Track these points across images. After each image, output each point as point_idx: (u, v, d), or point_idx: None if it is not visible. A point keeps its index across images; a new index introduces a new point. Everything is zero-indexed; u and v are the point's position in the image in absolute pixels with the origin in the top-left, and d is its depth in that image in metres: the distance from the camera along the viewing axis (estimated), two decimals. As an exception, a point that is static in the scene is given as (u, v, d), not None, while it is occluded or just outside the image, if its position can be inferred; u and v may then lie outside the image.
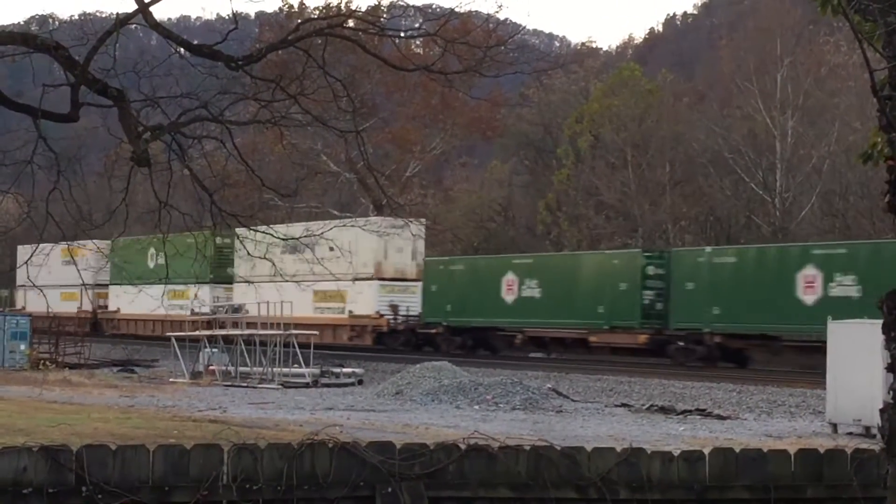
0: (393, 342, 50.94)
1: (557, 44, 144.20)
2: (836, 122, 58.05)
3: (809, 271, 37.93)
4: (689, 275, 41.52)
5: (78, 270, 37.90)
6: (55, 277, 50.92)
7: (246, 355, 41.66)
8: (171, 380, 41.54)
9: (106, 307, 64.38)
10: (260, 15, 67.87)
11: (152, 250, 53.40)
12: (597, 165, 67.48)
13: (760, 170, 60.53)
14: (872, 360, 22.27)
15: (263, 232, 22.21)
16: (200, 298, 53.04)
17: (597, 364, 42.54)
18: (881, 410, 6.77)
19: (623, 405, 32.86)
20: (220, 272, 56.46)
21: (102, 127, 19.05)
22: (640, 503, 8.55)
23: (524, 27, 61.09)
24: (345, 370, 41.68)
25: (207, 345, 43.52)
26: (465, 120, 70.56)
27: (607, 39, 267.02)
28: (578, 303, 44.51)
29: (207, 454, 8.09)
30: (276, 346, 41.07)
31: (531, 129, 77.17)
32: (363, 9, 31.49)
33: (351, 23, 21.31)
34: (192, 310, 53.01)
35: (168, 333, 49.99)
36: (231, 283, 55.63)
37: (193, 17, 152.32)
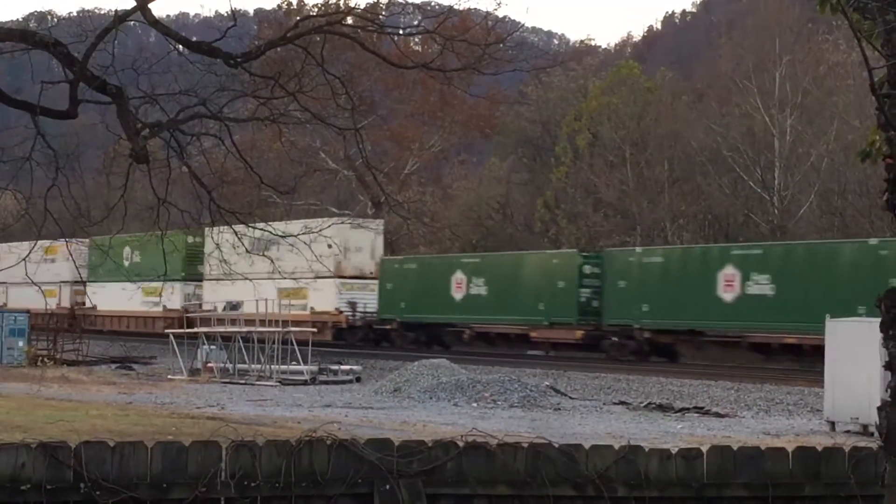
0: (351, 338, 52.61)
1: (556, 41, 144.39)
2: (834, 120, 58.05)
3: (729, 270, 39.85)
4: (621, 274, 43.61)
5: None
6: (36, 274, 52.40)
7: (244, 352, 41.68)
8: (169, 377, 41.54)
9: (83, 304, 65.22)
10: (259, 12, 68.01)
11: (127, 248, 54.52)
12: (595, 163, 67.47)
13: (759, 168, 60.52)
14: (870, 358, 22.30)
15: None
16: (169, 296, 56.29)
17: (592, 362, 42.83)
18: (879, 408, 6.78)
19: (621, 403, 32.87)
20: (191, 270, 58.31)
21: (101, 124, 19.04)
22: (638, 501, 8.56)
23: (523, 25, 61.05)
24: (343, 367, 41.72)
25: (205, 342, 43.54)
26: (464, 117, 70.57)
27: (606, 37, 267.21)
28: (521, 300, 46.42)
29: (206, 451, 8.09)
30: (273, 343, 41.11)
31: (530, 126, 77.17)
32: (362, 6, 31.49)
33: (350, 20, 21.30)
34: (164, 306, 56.95)
35: (141, 329, 52.24)
36: (201, 280, 57.89)
37: (192, 14, 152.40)
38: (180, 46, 18.09)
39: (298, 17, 25.02)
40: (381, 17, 23.26)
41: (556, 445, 8.72)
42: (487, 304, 47.81)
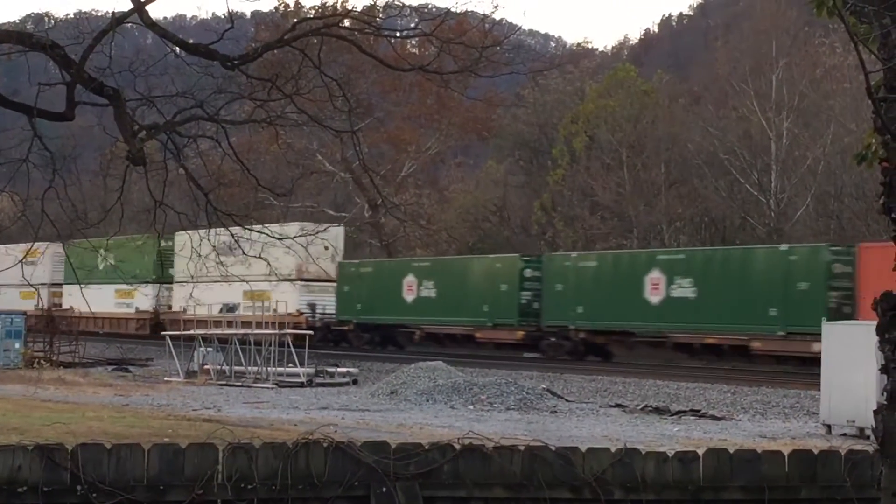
0: (311, 338, 53.42)
1: (553, 44, 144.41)
2: (831, 123, 58.06)
3: (655, 274, 42.16)
4: (558, 277, 45.83)
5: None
6: (15, 276, 54.19)
7: (241, 354, 41.67)
8: (165, 379, 41.51)
9: (60, 305, 65.97)
10: (256, 14, 67.80)
11: (102, 252, 55.64)
12: (592, 166, 67.45)
13: (755, 171, 60.53)
14: (866, 361, 22.31)
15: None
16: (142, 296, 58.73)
17: (588, 364, 43.05)
18: (875, 412, 6.78)
19: (617, 406, 32.89)
20: (162, 273, 59.75)
21: (98, 126, 19.01)
22: (635, 503, 8.56)
23: (520, 27, 60.97)
24: (340, 370, 41.73)
25: (202, 344, 43.54)
26: (461, 120, 70.58)
27: (603, 40, 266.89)
28: (467, 302, 48.58)
29: (202, 453, 8.10)
30: (270, 345, 41.10)
31: (526, 129, 77.14)
32: (359, 8, 31.48)
33: (347, 22, 21.30)
34: (136, 308, 59.46)
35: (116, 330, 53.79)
36: (172, 282, 59.57)
37: (189, 16, 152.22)
38: (177, 49, 18.10)
39: (295, 20, 24.98)
40: (377, 19, 23.23)
41: (553, 448, 8.73)
42: (436, 306, 49.76)
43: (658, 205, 63.88)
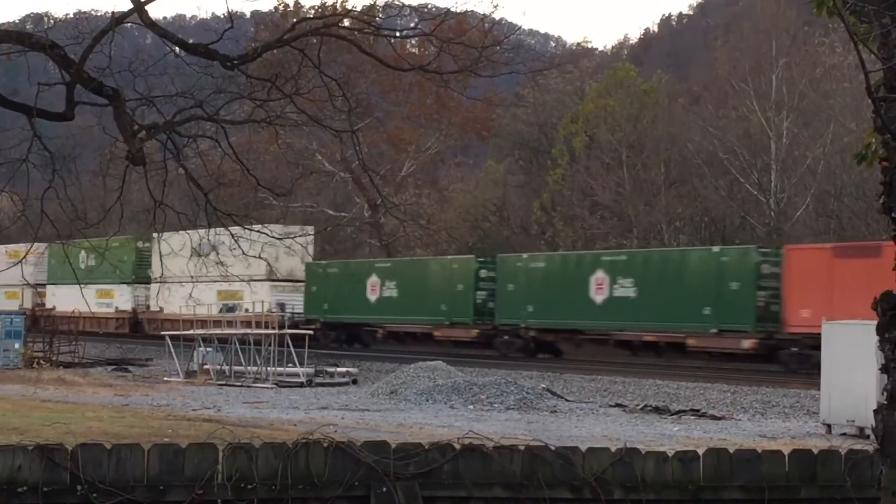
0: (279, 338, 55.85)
1: (553, 44, 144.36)
2: (830, 123, 58.05)
3: (599, 275, 44.14)
4: (510, 277, 47.66)
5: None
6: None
7: (240, 354, 41.67)
8: (165, 379, 41.50)
9: (43, 305, 67.35)
10: (255, 14, 67.85)
11: (83, 253, 57.15)
12: (591, 166, 67.44)
13: (755, 170, 60.52)
14: (866, 361, 22.31)
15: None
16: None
17: (589, 364, 43.12)
18: (875, 411, 6.77)
19: (617, 405, 32.89)
20: (141, 273, 63.16)
21: (98, 126, 19.01)
22: (635, 503, 8.56)
23: (520, 27, 61.03)
24: (339, 370, 41.73)
25: (202, 344, 43.55)
26: (461, 120, 70.57)
27: (602, 40, 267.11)
28: (427, 302, 50.34)
29: (202, 453, 8.09)
30: (270, 345, 41.10)
31: (526, 129, 77.11)
32: (359, 8, 31.45)
33: (346, 22, 21.29)
34: (116, 307, 62.01)
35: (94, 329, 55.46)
36: (150, 283, 61.80)
37: (189, 16, 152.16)
38: (177, 48, 18.10)
39: (295, 20, 24.98)
40: (377, 19, 23.24)
41: (553, 448, 8.72)
42: (398, 306, 51.64)
43: (658, 204, 63.87)
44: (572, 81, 76.24)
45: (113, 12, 16.29)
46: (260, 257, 26.70)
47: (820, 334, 36.76)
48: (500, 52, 25.17)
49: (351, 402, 32.91)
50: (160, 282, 57.04)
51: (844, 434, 24.93)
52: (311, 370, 40.55)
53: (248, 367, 41.04)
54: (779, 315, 38.51)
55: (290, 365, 40.88)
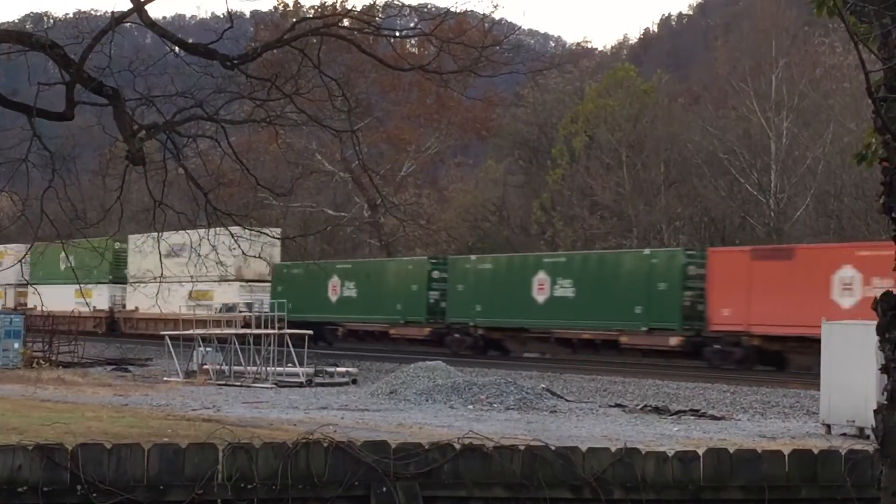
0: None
1: (552, 44, 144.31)
2: (830, 123, 58.04)
3: (541, 276, 46.47)
4: (460, 278, 49.99)
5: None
6: None
7: (240, 354, 41.67)
8: (164, 379, 41.50)
9: (25, 304, 68.44)
10: (255, 14, 67.80)
11: (62, 254, 58.27)
12: (591, 165, 67.42)
13: (755, 170, 60.51)
14: (867, 361, 22.31)
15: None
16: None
17: (586, 364, 43.27)
18: (875, 411, 6.77)
19: (617, 405, 32.88)
20: (118, 273, 65.23)
21: (97, 125, 19.00)
22: (635, 503, 8.56)
23: (520, 27, 60.89)
24: (339, 370, 41.72)
25: (201, 344, 43.54)
26: (460, 119, 70.54)
27: (602, 40, 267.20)
28: (384, 301, 52.58)
29: (202, 453, 8.09)
30: (269, 345, 41.10)
31: (526, 128, 77.10)
32: (358, 8, 31.46)
33: (346, 22, 21.29)
34: (94, 307, 62.56)
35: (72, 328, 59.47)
36: (125, 283, 64.74)
37: (188, 15, 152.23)
38: (177, 48, 18.09)
39: (295, 20, 24.99)
40: (377, 19, 23.25)
41: (553, 448, 8.72)
42: (357, 305, 54.09)
43: (657, 204, 63.86)
44: (572, 81, 76.23)
45: (113, 12, 16.29)
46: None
47: (739, 332, 40.36)
48: (499, 52, 25.17)
49: (350, 402, 32.91)
50: (135, 282, 60.99)
51: (844, 434, 24.92)
52: (310, 370, 40.55)
53: (248, 367, 41.04)
54: (703, 314, 40.92)
55: (289, 365, 40.88)
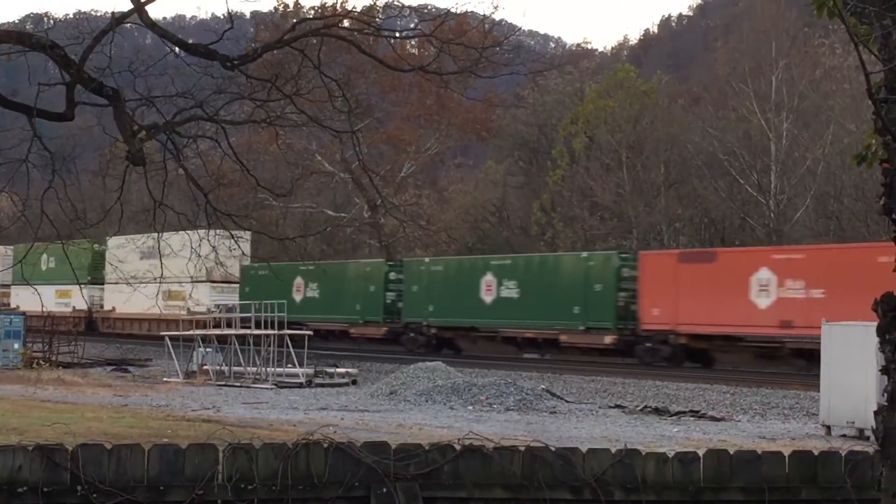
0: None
1: (553, 45, 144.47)
2: (830, 124, 58.01)
3: (488, 277, 48.65)
4: (415, 279, 52.01)
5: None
6: None
7: (240, 355, 41.66)
8: (164, 379, 41.50)
9: (8, 304, 70.46)
10: (255, 14, 67.79)
11: (45, 255, 59.80)
12: (591, 166, 67.40)
13: (755, 171, 60.49)
14: (867, 362, 22.30)
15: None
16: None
17: (584, 365, 43.36)
18: (875, 412, 6.77)
19: (617, 406, 32.87)
20: (96, 274, 67.47)
21: (97, 126, 18.99)
22: (635, 504, 8.56)
23: (520, 28, 61.04)
24: (339, 370, 41.72)
25: (201, 344, 43.53)
26: (460, 120, 70.50)
27: (602, 40, 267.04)
28: (344, 302, 54.68)
29: (203, 454, 8.09)
30: (269, 345, 41.09)
31: (526, 129, 77.08)
32: (359, 9, 31.42)
33: (346, 23, 21.28)
34: (73, 307, 65.63)
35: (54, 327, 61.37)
36: (103, 283, 67.20)
37: (189, 16, 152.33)
38: (177, 49, 18.07)
39: (295, 20, 24.97)
40: (377, 19, 23.23)
41: (553, 449, 8.72)
42: (320, 306, 55.98)
43: (657, 205, 63.85)
44: (572, 82, 76.21)
45: (113, 12, 16.27)
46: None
47: (667, 331, 42.08)
48: (500, 53, 25.16)
49: (350, 403, 32.90)
50: (112, 283, 63.46)
51: (844, 435, 24.92)
52: (310, 371, 40.55)
53: (248, 368, 41.03)
54: (636, 314, 43.01)
55: (289, 365, 40.87)
